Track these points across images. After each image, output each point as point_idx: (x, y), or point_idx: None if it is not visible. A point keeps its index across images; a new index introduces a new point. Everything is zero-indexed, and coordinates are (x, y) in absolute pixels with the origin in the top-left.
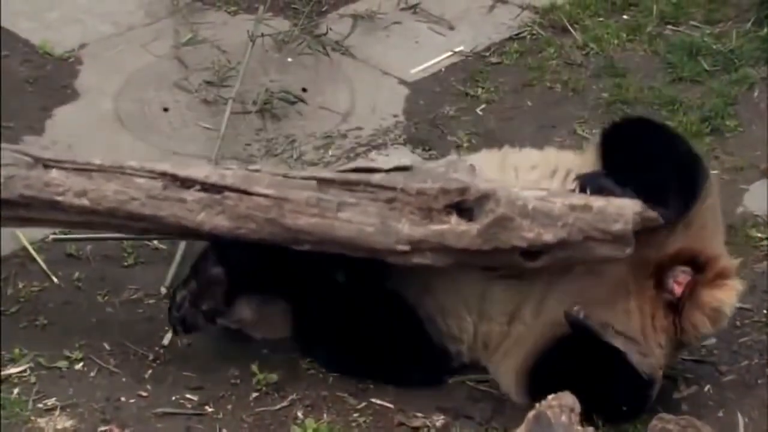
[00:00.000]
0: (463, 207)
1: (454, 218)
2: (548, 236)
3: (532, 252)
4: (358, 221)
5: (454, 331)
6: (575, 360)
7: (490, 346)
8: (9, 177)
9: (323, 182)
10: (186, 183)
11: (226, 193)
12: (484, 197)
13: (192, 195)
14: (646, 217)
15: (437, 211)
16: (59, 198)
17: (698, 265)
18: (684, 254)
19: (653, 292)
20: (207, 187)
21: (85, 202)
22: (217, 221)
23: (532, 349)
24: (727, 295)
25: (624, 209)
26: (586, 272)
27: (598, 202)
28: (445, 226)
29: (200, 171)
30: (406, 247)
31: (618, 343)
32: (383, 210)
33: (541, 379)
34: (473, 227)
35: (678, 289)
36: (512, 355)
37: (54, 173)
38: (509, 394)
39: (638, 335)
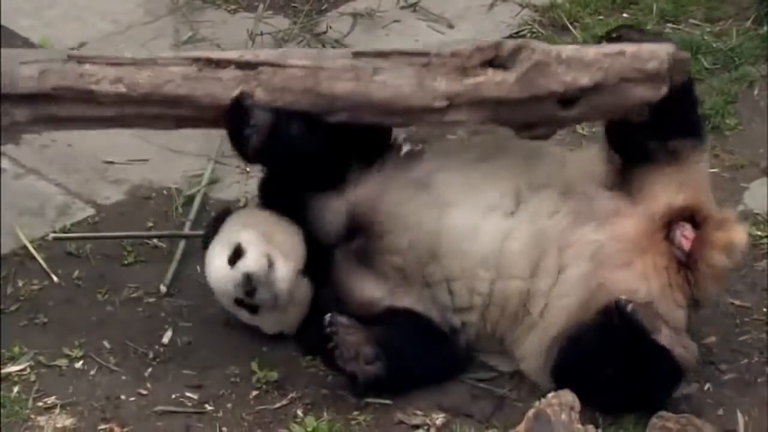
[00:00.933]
0: (498, 63)
1: (490, 71)
2: (584, 80)
3: (568, 100)
4: (393, 83)
5: (462, 299)
6: (611, 348)
7: (507, 309)
8: (43, 71)
9: (357, 54)
10: (220, 64)
11: (261, 68)
12: (518, 49)
13: (227, 73)
14: (678, 57)
15: (472, 68)
16: (94, 87)
17: (698, 221)
18: (685, 211)
19: (665, 247)
20: (241, 65)
21: (120, 88)
22: (256, 94)
23: (563, 327)
24: (737, 232)
25: (657, 50)
26: (599, 226)
27: (630, 47)
28: (481, 78)
29: (233, 53)
30: (443, 103)
31: (664, 340)
32: (419, 71)
33: (570, 363)
34: (510, 75)
35: (686, 243)
36: (538, 330)
37: (87, 65)
38: (528, 372)
39: (659, 297)
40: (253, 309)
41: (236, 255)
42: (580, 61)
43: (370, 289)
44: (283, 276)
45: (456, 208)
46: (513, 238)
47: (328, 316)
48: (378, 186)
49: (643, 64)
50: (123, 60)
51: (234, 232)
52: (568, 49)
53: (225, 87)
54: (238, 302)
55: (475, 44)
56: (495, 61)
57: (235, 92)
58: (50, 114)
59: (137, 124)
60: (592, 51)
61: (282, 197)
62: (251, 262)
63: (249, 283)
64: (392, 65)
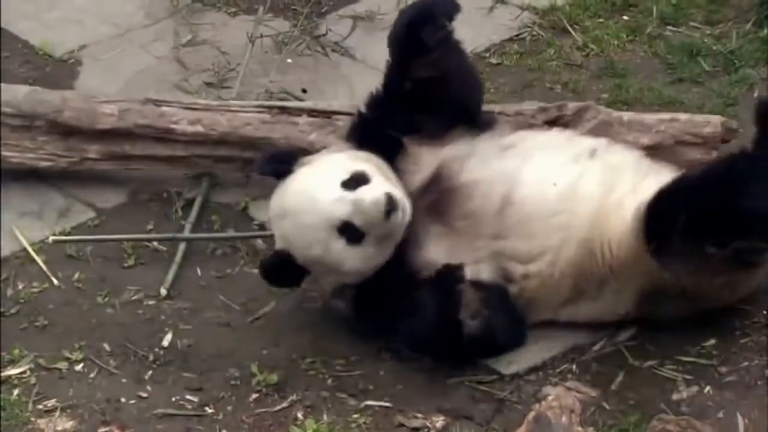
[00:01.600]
0: (561, 123)
1: (555, 129)
2: (645, 139)
3: None
4: None
5: (535, 243)
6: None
7: (579, 250)
8: (125, 109)
9: None
10: (293, 112)
11: (336, 117)
12: (583, 110)
13: (303, 119)
14: (728, 126)
15: (537, 127)
16: (174, 126)
17: None
18: None
19: None
20: (315, 114)
21: (199, 128)
22: (329, 140)
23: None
24: None
25: (710, 117)
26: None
27: (683, 116)
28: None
29: (306, 103)
30: None
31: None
32: None
33: None
34: (576, 132)
35: None
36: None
37: (165, 108)
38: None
39: None
40: (357, 238)
41: (356, 181)
42: (641, 124)
43: (433, 245)
44: (406, 204)
45: (536, 158)
46: (587, 177)
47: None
48: (468, 146)
49: (699, 129)
50: (197, 105)
51: (345, 162)
52: (627, 114)
53: (301, 130)
54: (342, 229)
55: (538, 105)
56: (559, 120)
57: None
58: (123, 152)
59: (206, 164)
60: (648, 117)
61: (379, 141)
62: (387, 187)
63: (391, 202)
64: None
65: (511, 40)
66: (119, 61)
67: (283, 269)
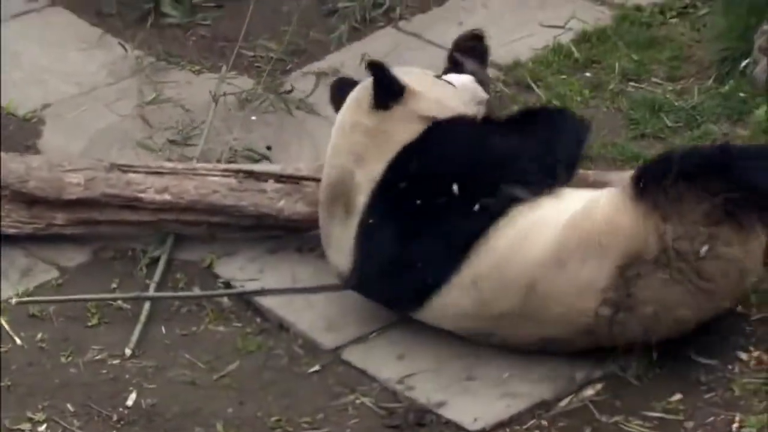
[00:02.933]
0: None
1: None
2: None
3: None
4: None
5: None
6: None
7: None
8: (91, 178)
9: None
10: (261, 177)
11: (305, 183)
12: None
13: (271, 186)
14: None
15: None
16: (141, 195)
17: None
18: None
19: None
20: (283, 179)
21: (166, 197)
22: (297, 207)
23: None
24: None
25: None
26: None
27: None
28: None
29: (273, 167)
30: None
31: None
32: None
33: None
34: None
35: None
36: None
37: (132, 174)
38: None
39: None
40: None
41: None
42: (605, 184)
43: None
44: None
45: None
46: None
47: None
48: None
49: None
50: (163, 169)
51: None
52: (592, 172)
53: (270, 197)
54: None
55: None
56: None
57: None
58: (90, 218)
59: (178, 225)
60: (615, 175)
61: None
62: None
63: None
64: None
65: None
66: (83, 120)
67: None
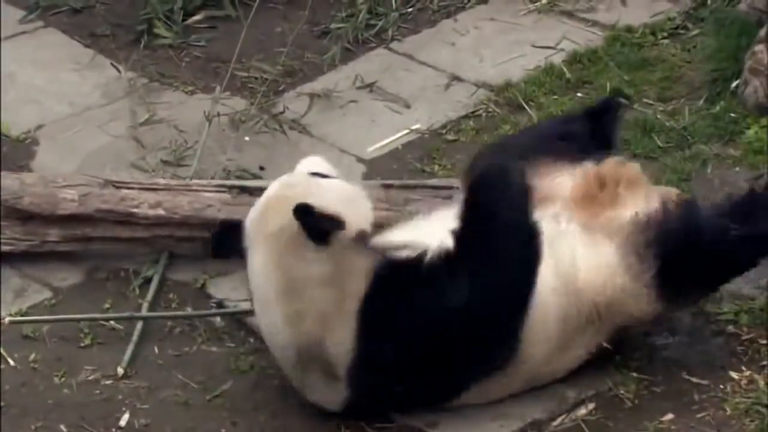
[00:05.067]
0: None
1: None
2: None
3: None
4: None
5: None
6: None
7: None
8: (84, 194)
9: (385, 186)
10: (255, 193)
11: None
12: None
13: None
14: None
15: None
16: (135, 210)
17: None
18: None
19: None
20: None
21: (160, 212)
22: None
23: None
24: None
25: (668, 194)
26: None
27: None
28: None
29: (265, 182)
30: None
31: None
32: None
33: None
34: None
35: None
36: None
37: (126, 191)
38: None
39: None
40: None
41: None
42: None
43: None
44: None
45: None
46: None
47: None
48: None
49: None
50: (157, 185)
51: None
52: None
53: None
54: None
55: None
56: None
57: None
58: (84, 234)
59: (168, 243)
60: None
61: None
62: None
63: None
64: (421, 197)
65: (467, 117)
66: (76, 141)
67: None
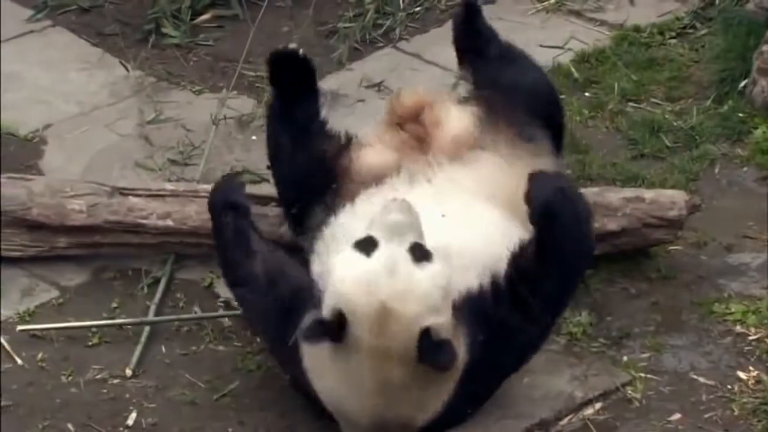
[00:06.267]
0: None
1: None
2: (612, 225)
3: None
4: None
5: None
6: None
7: None
8: (93, 205)
9: None
10: (262, 200)
11: None
12: None
13: (272, 210)
14: (692, 204)
15: None
16: (143, 221)
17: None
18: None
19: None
20: None
21: (169, 223)
22: None
23: None
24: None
25: (675, 196)
26: None
27: (648, 194)
28: None
29: (275, 190)
30: None
31: None
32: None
33: None
34: None
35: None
36: None
37: (133, 199)
38: None
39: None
40: (426, 255)
41: (368, 243)
42: (607, 207)
43: None
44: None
45: None
46: None
47: None
48: None
49: (665, 212)
50: (164, 192)
51: (346, 239)
52: (592, 195)
53: (271, 223)
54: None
55: None
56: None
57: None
58: (93, 241)
59: (176, 248)
60: (613, 196)
61: None
62: (383, 212)
63: (403, 203)
64: None
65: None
66: (84, 140)
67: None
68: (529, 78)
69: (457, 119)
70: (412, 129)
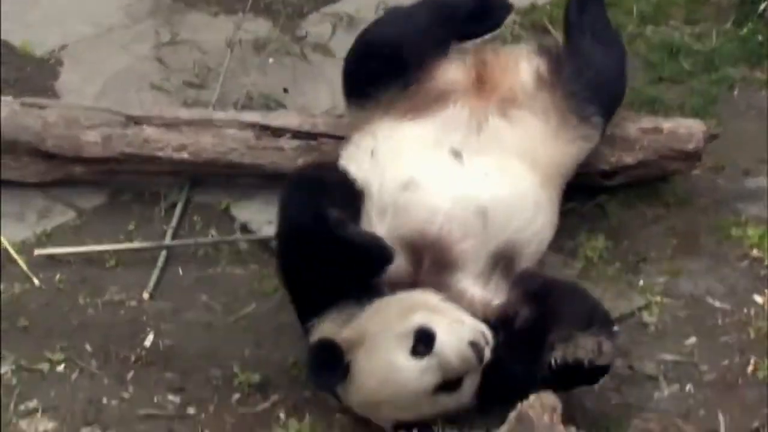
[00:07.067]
0: None
1: None
2: (629, 159)
3: (609, 172)
4: None
5: None
6: None
7: None
8: (107, 136)
9: None
10: (277, 132)
11: (322, 140)
12: None
13: (288, 143)
14: (710, 134)
15: None
16: (159, 153)
17: None
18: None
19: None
20: (300, 135)
21: (184, 155)
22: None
23: None
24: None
25: (693, 127)
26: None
27: (666, 124)
28: None
29: (290, 120)
30: None
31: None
32: None
33: None
34: None
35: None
36: None
37: (149, 130)
38: None
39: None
40: (456, 383)
41: (425, 340)
42: (625, 139)
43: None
44: (485, 331)
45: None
46: None
47: None
48: None
49: (683, 144)
50: (179, 120)
51: (398, 324)
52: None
53: (287, 156)
54: (439, 389)
55: None
56: None
57: None
58: (109, 168)
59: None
60: (632, 127)
61: None
62: (461, 330)
63: (478, 346)
64: None
65: (491, 39)
66: (100, 61)
67: None
68: (610, 67)
69: (520, 69)
70: (479, 66)
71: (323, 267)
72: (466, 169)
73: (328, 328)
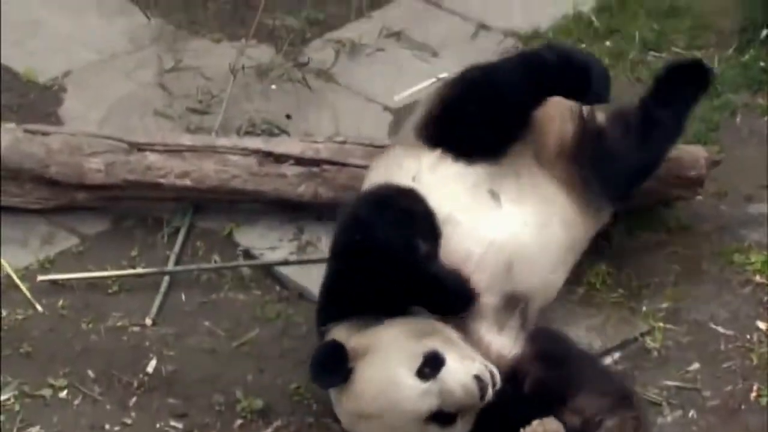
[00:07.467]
0: None
1: None
2: None
3: None
4: None
5: None
6: None
7: None
8: (110, 163)
9: None
10: (281, 159)
11: (324, 166)
12: None
13: (291, 169)
14: (713, 160)
15: None
16: (161, 180)
17: None
18: None
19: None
20: (303, 161)
21: (187, 182)
22: (319, 192)
23: None
24: None
25: (696, 154)
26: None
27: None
28: None
29: (293, 147)
30: None
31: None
32: None
33: None
34: None
35: None
36: None
37: (152, 157)
38: None
39: None
40: (451, 418)
41: (432, 365)
42: None
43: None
44: (494, 371)
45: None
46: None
47: None
48: None
49: (686, 171)
50: (182, 147)
51: (410, 344)
52: None
53: (290, 183)
54: (432, 417)
55: None
56: None
57: None
58: (112, 195)
59: (200, 200)
60: None
61: None
62: (469, 364)
63: (482, 382)
64: None
65: None
66: (103, 88)
67: None
68: (641, 168)
69: (564, 121)
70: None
71: (385, 289)
72: (503, 212)
73: (340, 333)
